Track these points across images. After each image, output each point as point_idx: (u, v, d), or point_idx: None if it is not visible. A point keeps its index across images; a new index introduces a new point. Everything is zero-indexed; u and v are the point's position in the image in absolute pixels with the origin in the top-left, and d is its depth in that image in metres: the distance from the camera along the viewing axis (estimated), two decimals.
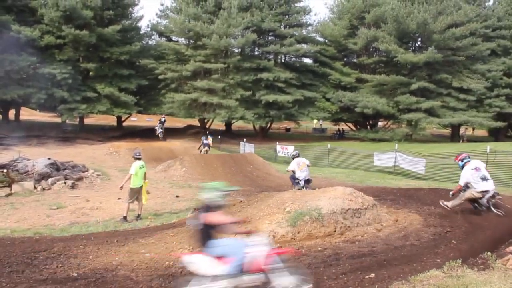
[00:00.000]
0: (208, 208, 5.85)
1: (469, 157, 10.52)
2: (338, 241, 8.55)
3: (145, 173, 12.76)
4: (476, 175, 10.06)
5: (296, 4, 48.49)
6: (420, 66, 43.10)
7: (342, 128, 54.46)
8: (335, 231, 8.93)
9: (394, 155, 22.88)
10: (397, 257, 7.64)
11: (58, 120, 50.27)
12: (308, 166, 14.82)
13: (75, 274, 7.12)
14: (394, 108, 43.48)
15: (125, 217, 12.07)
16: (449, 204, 10.49)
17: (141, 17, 51.47)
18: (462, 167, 10.39)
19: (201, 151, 29.09)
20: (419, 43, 47.05)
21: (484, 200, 9.96)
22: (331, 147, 28.66)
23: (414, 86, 41.87)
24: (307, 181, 14.44)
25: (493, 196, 9.95)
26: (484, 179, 9.98)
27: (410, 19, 41.10)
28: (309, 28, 51.19)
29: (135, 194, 12.35)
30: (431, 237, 8.88)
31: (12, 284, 6.57)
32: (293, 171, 14.72)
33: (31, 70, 39.97)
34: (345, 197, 9.64)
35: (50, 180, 16.65)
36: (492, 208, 9.95)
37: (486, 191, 9.89)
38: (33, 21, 40.40)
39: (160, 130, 39.14)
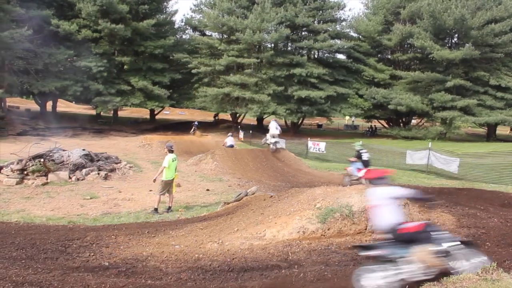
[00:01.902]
0: None
1: None
2: (368, 239, 8.41)
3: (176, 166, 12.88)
4: None
5: None
6: (456, 63, 42.10)
7: (375, 125, 53.77)
8: (365, 229, 8.80)
9: (427, 153, 22.41)
10: None
11: (93, 112, 51.34)
12: None
13: (107, 263, 7.24)
14: (428, 105, 42.65)
15: (156, 209, 12.21)
16: None
17: (175, 12, 51.94)
18: None
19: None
20: (455, 39, 45.94)
21: None
22: (363, 144, 28.28)
23: (449, 84, 40.96)
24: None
25: None
26: None
27: (447, 14, 40.12)
28: (343, 23, 50.88)
29: (167, 186, 12.47)
30: (465, 238, 8.67)
31: (47, 270, 6.72)
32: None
33: (68, 63, 40.94)
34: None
35: (84, 170, 16.98)
36: None
37: None
38: (71, 15, 41.33)
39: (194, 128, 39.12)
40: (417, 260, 5.48)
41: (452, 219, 10.10)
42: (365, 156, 17.09)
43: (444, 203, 12.11)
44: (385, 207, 5.83)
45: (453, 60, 41.39)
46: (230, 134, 29.61)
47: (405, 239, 5.63)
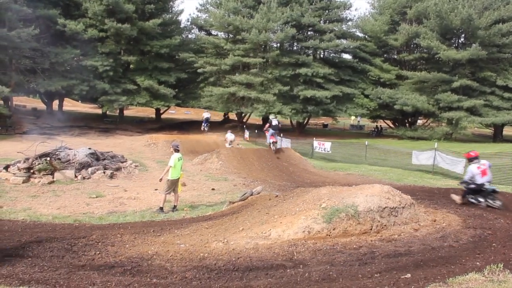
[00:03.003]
0: None
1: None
2: (374, 240, 8.41)
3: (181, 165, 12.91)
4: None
5: None
6: (463, 63, 41.90)
7: (380, 125, 53.64)
8: (371, 229, 8.79)
9: (433, 154, 22.34)
10: (434, 258, 7.45)
11: (99, 111, 51.51)
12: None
13: (112, 262, 7.27)
14: (434, 106, 42.49)
15: (161, 208, 12.25)
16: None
17: (181, 11, 52.12)
18: None
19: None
20: (462, 39, 45.66)
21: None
22: (369, 144, 28.26)
23: (456, 84, 40.77)
24: None
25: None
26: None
27: (454, 14, 39.92)
28: (349, 23, 50.80)
29: (173, 185, 12.50)
30: (471, 239, 8.62)
31: (53, 268, 6.76)
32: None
33: (75, 62, 41.07)
34: (382, 195, 9.47)
35: (90, 169, 17.05)
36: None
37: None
38: (77, 15, 41.46)
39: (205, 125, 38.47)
40: None
41: (458, 219, 10.07)
42: (274, 122, 22.66)
43: (450, 203, 12.08)
44: None
45: (459, 60, 41.20)
46: (229, 130, 29.74)
47: None
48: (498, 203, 11.54)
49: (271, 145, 24.27)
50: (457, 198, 12.13)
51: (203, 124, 37.45)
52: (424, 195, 13.64)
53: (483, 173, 11.90)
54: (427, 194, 13.98)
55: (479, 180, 11.84)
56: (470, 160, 12.40)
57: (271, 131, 24.24)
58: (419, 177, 20.66)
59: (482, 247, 8.01)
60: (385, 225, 9.01)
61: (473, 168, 12.05)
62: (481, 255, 7.50)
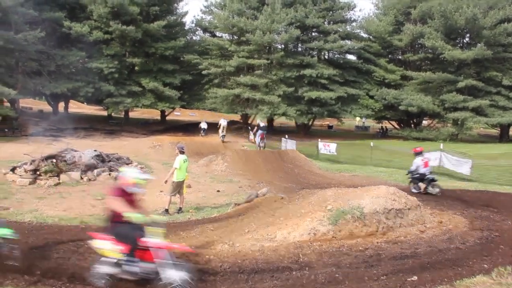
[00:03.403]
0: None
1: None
2: (380, 241, 8.40)
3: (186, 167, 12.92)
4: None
5: (340, 0, 47.92)
6: (468, 63, 41.78)
7: (385, 126, 53.52)
8: (377, 231, 8.79)
9: (439, 155, 22.25)
10: (441, 260, 7.44)
11: (105, 113, 51.66)
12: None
13: None
14: (439, 106, 42.40)
15: (167, 210, 12.26)
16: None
17: (185, 13, 52.06)
18: None
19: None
20: (467, 39, 45.56)
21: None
22: (374, 145, 28.21)
23: (461, 84, 40.68)
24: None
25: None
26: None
27: (459, 14, 39.84)
28: (353, 24, 50.79)
29: (178, 187, 12.51)
30: (478, 241, 8.59)
31: (60, 270, 6.79)
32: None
33: (80, 64, 41.22)
34: (388, 197, 9.45)
35: (95, 171, 17.10)
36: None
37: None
38: (83, 17, 41.63)
39: (222, 133, 37.83)
40: None
41: (465, 221, 10.04)
42: (262, 124, 25.97)
43: (457, 205, 12.04)
44: None
45: (464, 60, 41.08)
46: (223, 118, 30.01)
47: None
48: (436, 190, 14.26)
49: (260, 143, 27.40)
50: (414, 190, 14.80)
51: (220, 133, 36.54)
52: (430, 196, 13.60)
53: (425, 164, 14.98)
54: (433, 195, 13.94)
55: (422, 170, 14.87)
56: (417, 154, 15.43)
57: (259, 131, 26.82)
58: None
59: (489, 249, 7.98)
60: (391, 227, 9.00)
61: (418, 160, 15.11)
62: (489, 257, 7.48)
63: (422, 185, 14.86)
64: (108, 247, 6.28)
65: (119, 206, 6.25)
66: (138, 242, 6.19)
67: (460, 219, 10.18)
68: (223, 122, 35.58)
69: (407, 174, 15.97)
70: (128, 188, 6.48)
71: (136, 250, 6.19)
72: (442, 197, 13.44)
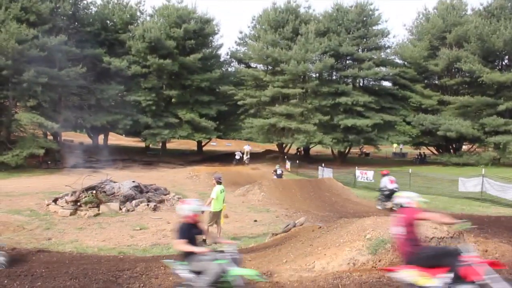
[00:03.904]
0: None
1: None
2: None
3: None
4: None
5: (373, 27, 47.95)
6: (508, 86, 40.66)
7: (424, 152, 52.42)
8: None
9: (481, 180, 21.58)
10: None
11: (142, 144, 52.69)
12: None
13: None
14: (479, 130, 41.23)
15: (204, 240, 12.25)
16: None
17: (221, 45, 53.20)
18: None
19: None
20: (506, 61, 44.52)
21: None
22: (413, 172, 27.63)
23: (501, 107, 39.58)
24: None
25: None
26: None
27: (496, 36, 39.05)
28: (388, 50, 50.50)
29: (215, 217, 12.51)
30: None
31: None
32: None
33: (119, 98, 42.57)
34: (429, 225, 9.18)
35: (134, 202, 17.34)
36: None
37: None
38: (121, 52, 43.12)
39: (246, 157, 39.13)
40: None
41: None
42: (279, 171, 29.18)
43: (502, 232, 11.58)
44: None
45: (504, 83, 40.06)
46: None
47: None
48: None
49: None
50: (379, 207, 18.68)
51: (244, 157, 37.88)
52: (473, 223, 13.13)
53: (391, 181, 18.54)
54: (476, 222, 13.43)
55: (390, 186, 18.33)
56: (384, 175, 19.31)
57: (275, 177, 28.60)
58: (466, 204, 19.98)
59: None
60: None
61: (385, 179, 18.83)
62: None
63: (389, 204, 17.31)
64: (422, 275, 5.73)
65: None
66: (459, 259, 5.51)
67: (508, 248, 9.75)
68: (246, 148, 36.86)
69: (378, 191, 19.57)
70: None
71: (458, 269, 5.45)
72: (487, 225, 12.95)
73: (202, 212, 12.63)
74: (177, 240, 6.41)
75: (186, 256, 6.38)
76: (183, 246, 6.36)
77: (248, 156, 37.59)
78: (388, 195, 17.66)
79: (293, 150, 53.29)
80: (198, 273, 6.22)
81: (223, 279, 5.99)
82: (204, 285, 5.97)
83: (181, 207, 6.75)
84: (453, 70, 47.68)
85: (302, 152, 53.10)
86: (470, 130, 41.03)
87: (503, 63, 44.84)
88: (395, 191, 16.27)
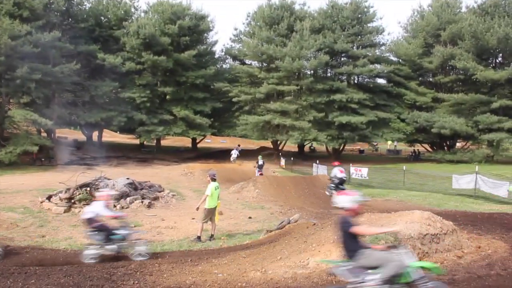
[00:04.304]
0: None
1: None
2: None
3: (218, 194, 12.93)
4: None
5: (368, 25, 47.98)
6: (502, 83, 40.90)
7: (418, 150, 52.61)
8: None
9: (475, 177, 21.67)
10: (480, 287, 7.16)
11: (137, 141, 52.57)
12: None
13: None
14: (473, 128, 41.42)
15: (199, 237, 12.25)
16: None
17: (215, 42, 53.12)
18: None
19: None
20: (500, 59, 44.73)
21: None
22: (407, 169, 27.72)
23: (495, 105, 39.76)
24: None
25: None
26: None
27: (490, 34, 39.20)
28: (383, 48, 50.56)
29: (210, 214, 12.51)
30: None
31: None
32: None
33: (113, 94, 42.44)
34: (423, 222, 9.22)
35: (128, 199, 17.30)
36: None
37: None
38: (116, 49, 42.99)
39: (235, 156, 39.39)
40: None
41: (505, 246, 9.68)
42: (260, 162, 30.68)
43: (495, 229, 11.65)
44: None
45: (498, 81, 40.26)
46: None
47: None
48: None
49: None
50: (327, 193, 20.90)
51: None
52: (467, 220, 13.19)
53: (341, 171, 20.94)
54: (470, 219, 13.51)
55: (339, 175, 20.75)
56: (335, 166, 21.72)
57: (257, 169, 30.31)
58: (460, 201, 20.06)
59: None
60: (427, 253, 8.75)
61: (335, 169, 21.17)
62: None
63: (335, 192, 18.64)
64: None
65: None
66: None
67: (500, 244, 9.82)
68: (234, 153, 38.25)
69: (329, 179, 21.83)
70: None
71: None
72: (480, 221, 13.02)
73: (197, 209, 12.65)
74: (359, 227, 5.93)
75: (351, 252, 5.98)
76: (371, 229, 6.30)
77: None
78: (338, 184, 20.41)
79: (293, 148, 53.26)
80: (371, 268, 5.81)
81: (402, 272, 5.70)
82: (381, 279, 5.63)
83: (343, 199, 6.11)
84: (447, 67, 47.85)
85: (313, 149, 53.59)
86: (464, 128, 41.20)
87: (497, 60, 45.04)
88: (344, 179, 21.21)
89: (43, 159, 34.89)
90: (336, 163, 22.63)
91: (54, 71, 34.68)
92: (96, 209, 9.98)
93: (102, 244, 9.71)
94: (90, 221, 9.89)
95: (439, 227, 9.33)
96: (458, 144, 50.47)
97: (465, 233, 10.29)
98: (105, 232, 9.84)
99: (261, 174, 29.89)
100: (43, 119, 33.33)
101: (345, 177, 21.38)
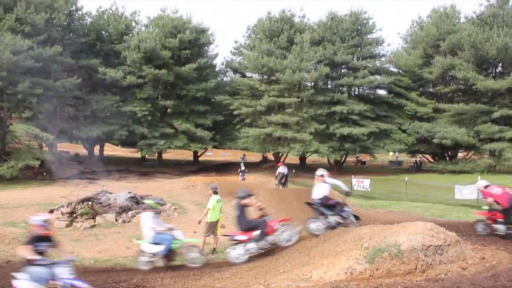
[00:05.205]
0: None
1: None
2: (419, 280, 8.09)
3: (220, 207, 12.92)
4: None
5: (368, 36, 48.16)
6: (502, 93, 40.96)
7: (420, 160, 52.55)
8: (416, 268, 8.48)
9: (477, 187, 21.59)
10: None
11: (138, 155, 52.58)
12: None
13: None
14: (474, 138, 41.39)
15: (201, 251, 12.20)
16: None
17: (216, 55, 53.29)
18: None
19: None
20: (500, 68, 44.82)
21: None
22: (409, 180, 27.65)
23: (496, 114, 39.80)
24: None
25: None
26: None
27: (489, 44, 39.33)
28: (383, 59, 50.63)
29: (212, 228, 12.49)
30: None
31: None
32: None
33: (114, 108, 42.50)
34: (426, 233, 9.16)
35: (130, 213, 17.27)
36: None
37: None
38: (117, 63, 43.16)
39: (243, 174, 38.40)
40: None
41: (510, 257, 9.62)
42: (242, 167, 34.30)
43: (499, 240, 11.58)
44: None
45: (498, 90, 40.33)
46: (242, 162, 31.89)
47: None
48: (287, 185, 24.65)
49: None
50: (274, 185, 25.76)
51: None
52: (470, 231, 13.14)
53: (284, 168, 26.89)
54: (473, 230, 13.45)
55: (281, 170, 26.82)
56: (279, 166, 27.84)
57: (241, 173, 34.12)
58: (463, 212, 19.99)
59: None
60: (431, 264, 8.69)
61: (280, 168, 27.03)
62: None
63: (280, 186, 26.62)
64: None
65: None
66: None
67: (505, 255, 9.75)
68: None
69: (276, 178, 27.36)
70: None
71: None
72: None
73: (199, 222, 12.61)
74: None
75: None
76: None
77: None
78: (281, 177, 26.79)
79: (295, 160, 53.19)
80: None
81: None
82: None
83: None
84: (447, 78, 47.95)
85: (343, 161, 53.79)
86: (465, 138, 41.17)
87: (497, 70, 45.15)
88: (285, 173, 27.08)
89: (44, 174, 34.86)
90: (280, 163, 29.64)
91: (55, 86, 34.81)
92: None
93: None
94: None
95: (443, 238, 9.28)
96: (460, 154, 50.41)
97: (468, 244, 10.23)
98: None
99: (243, 179, 33.36)
100: (45, 133, 33.33)
101: (286, 172, 27.13)
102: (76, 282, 7.16)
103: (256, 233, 10.79)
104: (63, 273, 7.07)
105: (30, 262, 7.13)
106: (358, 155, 57.12)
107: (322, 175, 12.29)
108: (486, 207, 13.08)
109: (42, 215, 7.82)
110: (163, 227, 11.08)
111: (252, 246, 10.75)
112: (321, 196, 11.81)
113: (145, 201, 12.49)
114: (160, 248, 10.49)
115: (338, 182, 12.86)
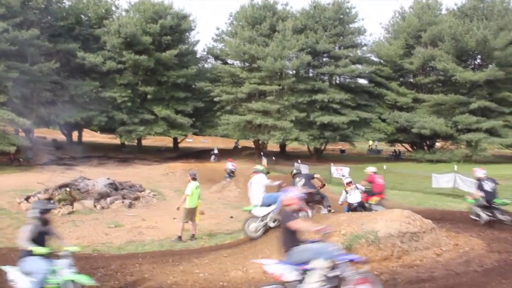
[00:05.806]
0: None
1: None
2: (395, 266, 8.25)
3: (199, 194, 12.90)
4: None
5: (350, 25, 48.26)
6: (480, 85, 41.56)
7: (398, 149, 53.14)
8: (392, 255, 8.62)
9: (453, 176, 21.98)
10: (458, 284, 7.26)
11: (118, 141, 52.10)
12: None
13: None
14: (452, 128, 42.00)
15: (180, 237, 12.19)
16: None
17: (197, 42, 52.93)
18: None
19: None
20: (478, 60, 45.41)
21: None
22: (387, 169, 27.94)
23: (473, 105, 40.40)
24: None
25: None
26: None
27: (469, 36, 39.79)
28: (364, 48, 50.82)
29: (190, 214, 12.46)
30: (496, 263, 8.38)
31: None
32: None
33: (94, 94, 41.93)
34: (403, 220, 9.31)
35: (108, 199, 17.16)
36: None
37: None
38: (96, 48, 42.54)
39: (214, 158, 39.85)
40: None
41: (482, 243, 9.83)
42: (215, 151, 36.34)
43: (473, 227, 11.82)
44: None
45: (476, 82, 40.89)
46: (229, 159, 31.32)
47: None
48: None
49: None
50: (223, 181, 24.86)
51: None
52: (445, 219, 13.38)
53: (233, 165, 27.19)
54: (448, 217, 13.70)
55: (230, 167, 27.05)
56: (228, 162, 28.62)
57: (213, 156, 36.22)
58: (439, 200, 20.32)
59: (508, 272, 7.79)
60: (406, 251, 8.84)
61: (229, 164, 27.84)
62: (508, 280, 7.30)
63: (228, 179, 25.39)
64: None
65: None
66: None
67: (477, 241, 9.96)
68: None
69: (225, 171, 27.22)
70: None
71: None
72: (458, 220, 13.20)
73: (178, 208, 12.60)
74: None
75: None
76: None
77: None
78: (230, 172, 26.65)
79: (275, 147, 53.28)
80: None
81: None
82: None
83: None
84: (427, 68, 48.41)
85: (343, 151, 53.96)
86: (444, 128, 41.74)
87: (476, 62, 45.72)
88: (233, 169, 26.98)
89: (21, 160, 34.30)
90: (230, 160, 29.98)
91: (32, 70, 34.18)
92: None
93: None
94: None
95: (419, 225, 9.43)
96: (438, 144, 51.12)
97: (443, 231, 10.41)
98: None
99: (216, 161, 35.81)
100: (21, 118, 32.80)
101: (234, 169, 27.19)
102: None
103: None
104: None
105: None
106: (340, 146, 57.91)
107: (351, 182, 13.88)
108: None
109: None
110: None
111: None
112: (359, 200, 12.88)
113: (256, 167, 12.88)
114: (272, 208, 10.87)
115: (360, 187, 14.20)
